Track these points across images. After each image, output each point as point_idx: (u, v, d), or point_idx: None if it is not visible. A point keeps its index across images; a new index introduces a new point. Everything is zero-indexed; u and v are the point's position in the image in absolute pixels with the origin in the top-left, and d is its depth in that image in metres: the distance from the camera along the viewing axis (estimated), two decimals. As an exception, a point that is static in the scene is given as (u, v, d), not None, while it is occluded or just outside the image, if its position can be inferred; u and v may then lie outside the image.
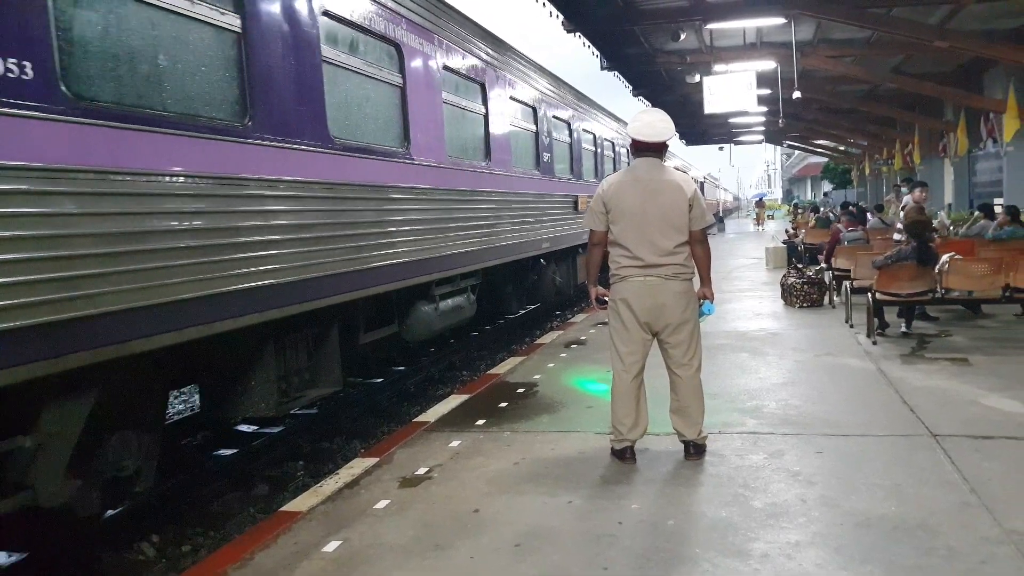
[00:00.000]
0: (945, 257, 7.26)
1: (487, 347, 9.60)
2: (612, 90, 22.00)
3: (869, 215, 15.29)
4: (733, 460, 4.20)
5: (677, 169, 4.49)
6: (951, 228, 12.84)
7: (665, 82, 19.92)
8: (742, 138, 38.20)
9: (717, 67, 16.84)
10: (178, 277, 3.81)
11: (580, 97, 13.24)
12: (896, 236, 10.30)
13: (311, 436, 6.08)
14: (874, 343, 7.22)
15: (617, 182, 4.21)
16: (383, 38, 6.09)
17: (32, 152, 3.14)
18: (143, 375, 4.00)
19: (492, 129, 8.49)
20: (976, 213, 11.58)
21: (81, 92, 3.41)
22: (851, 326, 8.19)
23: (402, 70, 6.35)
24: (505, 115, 8.95)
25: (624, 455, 4.23)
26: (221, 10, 4.30)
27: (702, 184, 34.09)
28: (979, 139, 16.64)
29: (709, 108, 16.79)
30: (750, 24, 14.33)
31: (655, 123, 4.22)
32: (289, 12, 4.89)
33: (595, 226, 4.23)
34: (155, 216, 3.74)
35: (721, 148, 43.85)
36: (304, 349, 5.29)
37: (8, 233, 3.04)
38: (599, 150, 14.50)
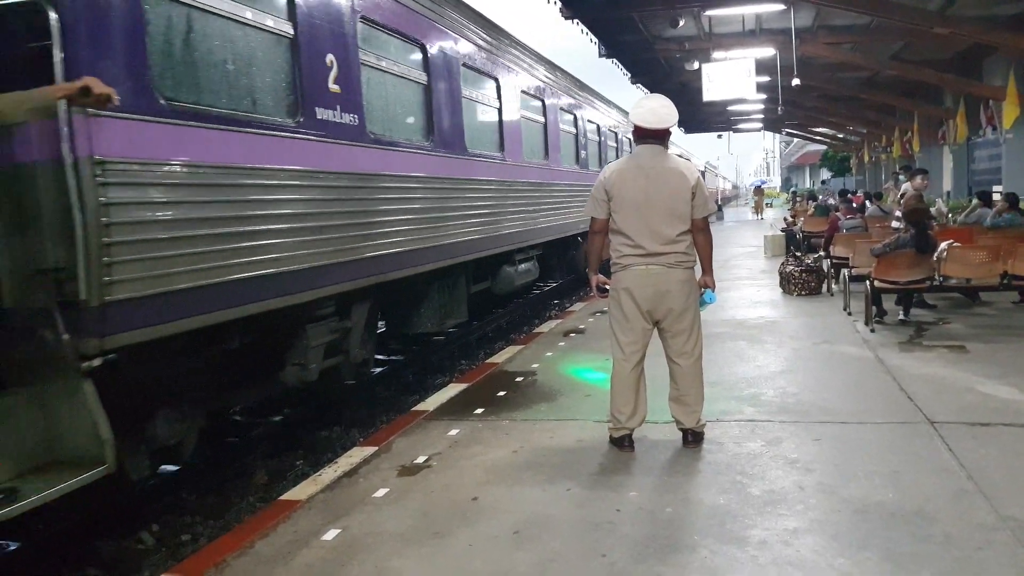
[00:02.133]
0: (943, 245, 7.26)
1: (486, 336, 9.60)
2: (611, 78, 21.94)
3: (868, 203, 15.28)
4: (731, 448, 4.21)
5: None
6: (949, 216, 12.83)
7: (664, 69, 19.86)
8: (741, 126, 38.12)
9: (716, 54, 16.79)
10: (412, 241, 6.34)
11: (608, 103, 15.96)
12: (894, 224, 10.31)
13: (310, 425, 6.09)
14: (872, 331, 7.22)
15: (619, 169, 4.19)
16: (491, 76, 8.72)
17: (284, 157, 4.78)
18: (375, 297, 6.20)
19: (549, 136, 10.98)
20: (974, 201, 11.55)
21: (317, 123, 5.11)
22: (849, 314, 8.20)
23: (499, 97, 8.88)
24: (557, 124, 11.42)
25: (622, 443, 4.24)
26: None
27: (703, 173, 34.63)
28: (978, 126, 16.60)
29: (708, 96, 16.76)
30: (749, 10, 14.29)
31: (658, 109, 4.20)
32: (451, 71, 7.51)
33: (596, 214, 4.21)
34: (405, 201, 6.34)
35: (720, 136, 43.83)
36: (449, 291, 7.69)
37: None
38: (618, 146, 16.72)
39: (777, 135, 67.12)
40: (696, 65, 16.94)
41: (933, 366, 5.83)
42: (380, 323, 7.45)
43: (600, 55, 17.05)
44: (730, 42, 16.63)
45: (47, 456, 3.35)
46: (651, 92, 18.95)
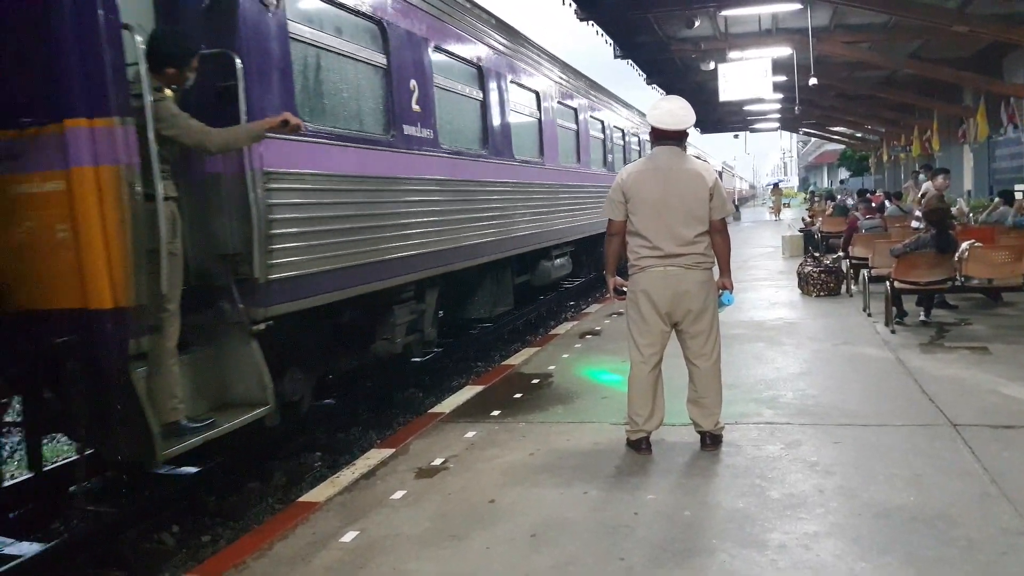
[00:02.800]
0: (965, 245, 7.18)
1: (501, 338, 9.60)
2: (627, 80, 21.89)
3: (887, 202, 15.14)
4: (750, 451, 4.18)
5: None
6: (971, 215, 12.69)
7: (679, 70, 19.77)
8: (758, 126, 37.90)
9: (732, 54, 16.68)
10: (472, 237, 7.25)
11: (629, 107, 16.53)
12: (914, 224, 10.21)
13: (328, 427, 6.11)
14: (892, 332, 7.16)
15: (637, 171, 4.18)
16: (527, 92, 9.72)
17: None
18: (441, 285, 6.97)
19: (581, 141, 11.84)
20: (996, 200, 11.42)
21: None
22: (869, 315, 8.12)
23: (539, 107, 9.79)
24: (587, 130, 12.31)
25: (640, 446, 4.22)
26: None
27: (719, 174, 34.71)
28: (999, 125, 16.40)
29: (724, 96, 16.66)
30: (765, 10, 14.20)
31: (675, 111, 4.18)
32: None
33: (613, 215, 4.21)
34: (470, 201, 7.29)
35: (736, 136, 43.60)
36: (498, 282, 8.53)
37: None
38: (641, 148, 17.08)
39: (794, 135, 66.70)
40: (712, 65, 16.85)
41: (955, 367, 5.76)
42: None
43: (615, 56, 17.00)
44: (746, 42, 16.52)
45: (221, 400, 4.30)
46: (667, 93, 18.93)
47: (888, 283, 7.36)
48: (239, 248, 4.25)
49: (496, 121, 8.12)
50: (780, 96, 20.72)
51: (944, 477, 3.68)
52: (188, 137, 3.89)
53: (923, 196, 11.39)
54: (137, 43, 3.67)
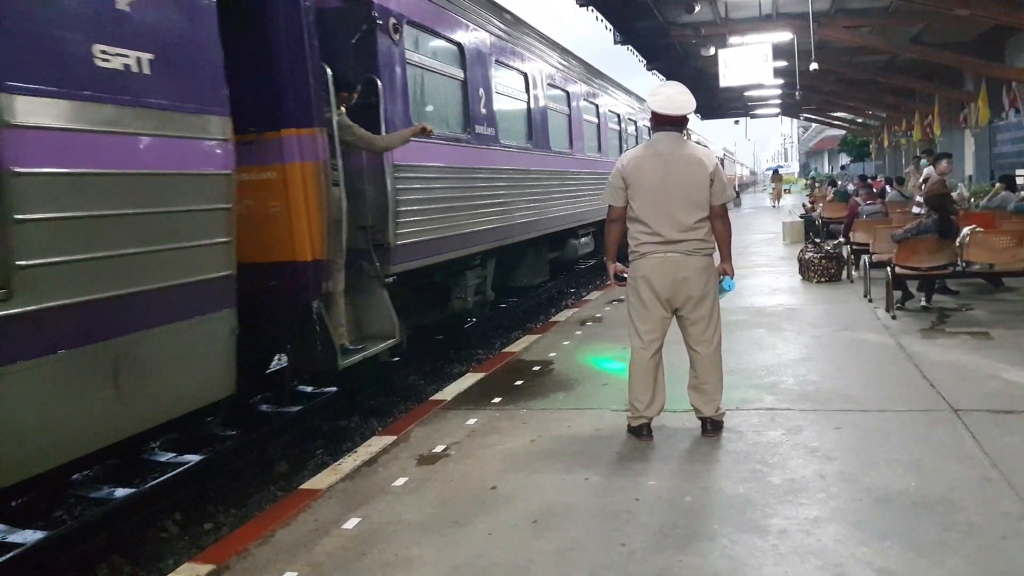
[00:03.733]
0: (966, 230, 7.16)
1: (502, 325, 9.60)
2: (626, 65, 21.79)
3: (888, 188, 15.11)
4: (750, 436, 4.18)
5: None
6: (971, 200, 12.66)
7: (679, 56, 19.69)
8: (758, 111, 37.75)
9: (732, 39, 16.60)
10: (521, 216, 8.67)
11: (641, 100, 16.90)
12: (915, 209, 10.18)
13: (329, 414, 6.12)
14: (893, 317, 7.15)
15: (637, 156, 4.16)
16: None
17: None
18: (497, 257, 8.31)
19: (601, 132, 13.26)
20: (997, 184, 11.38)
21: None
22: (870, 300, 8.12)
23: (568, 105, 11.08)
24: (606, 123, 13.73)
25: (641, 432, 4.23)
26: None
27: (721, 161, 35.02)
28: (1001, 109, 16.32)
29: (724, 81, 16.60)
30: (766, -5, 14.13)
31: (675, 96, 4.16)
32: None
33: (613, 201, 4.19)
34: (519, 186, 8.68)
35: (737, 122, 43.44)
36: (537, 256, 9.97)
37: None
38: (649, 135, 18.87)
39: (795, 120, 66.42)
40: (712, 51, 16.77)
41: (956, 353, 5.76)
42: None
43: (615, 42, 16.93)
44: (746, 27, 16.43)
45: (360, 335, 5.55)
46: (667, 79, 18.91)
47: (889, 268, 7.35)
48: (375, 221, 5.64)
49: (538, 118, 9.57)
50: (781, 81, 20.63)
51: (945, 462, 3.68)
52: (361, 142, 5.33)
53: (925, 181, 11.36)
54: (329, 76, 5.01)
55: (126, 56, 3.43)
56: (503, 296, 10.15)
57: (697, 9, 14.00)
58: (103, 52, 3.31)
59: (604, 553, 2.98)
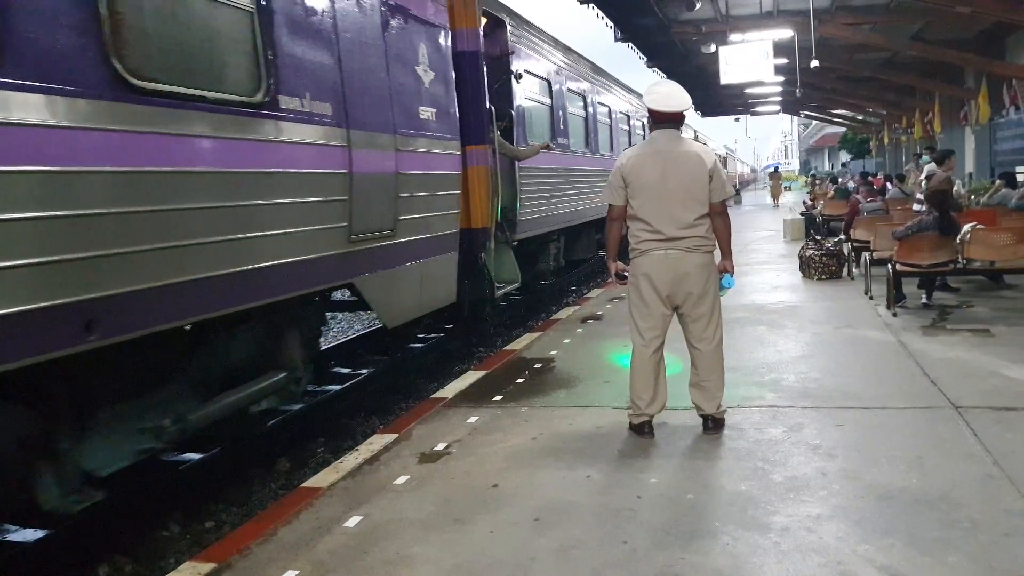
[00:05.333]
0: (967, 227, 7.15)
1: (503, 323, 9.60)
2: (627, 63, 21.75)
3: (888, 184, 15.09)
4: (752, 434, 4.18)
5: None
6: (971, 198, 12.64)
7: (680, 53, 19.66)
8: (759, 109, 37.74)
9: (733, 37, 16.59)
10: (578, 204, 11.48)
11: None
12: (916, 206, 10.17)
13: (330, 412, 6.12)
14: (894, 315, 7.15)
15: (636, 155, 4.16)
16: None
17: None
18: (564, 235, 11.35)
19: (632, 136, 15.91)
20: (998, 182, 11.37)
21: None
22: (871, 298, 8.12)
23: (609, 116, 14.28)
24: (633, 130, 16.23)
25: (642, 430, 4.23)
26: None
27: (724, 160, 35.73)
28: (1001, 106, 16.32)
29: (725, 79, 16.60)
30: (767, -8, 14.11)
31: (672, 94, 4.16)
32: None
33: (613, 200, 4.19)
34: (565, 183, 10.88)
35: (737, 119, 43.42)
36: (588, 237, 13.04)
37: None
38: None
39: (795, 117, 66.41)
40: (713, 48, 16.75)
41: (957, 350, 5.76)
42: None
43: (616, 39, 16.92)
44: (747, 24, 16.41)
45: (496, 278, 7.63)
46: (667, 76, 18.96)
47: (890, 266, 7.35)
48: (508, 203, 8.13)
49: (590, 127, 12.48)
50: (781, 79, 20.62)
51: (946, 459, 3.68)
52: (511, 154, 8.17)
53: (927, 178, 11.34)
54: (492, 112, 7.46)
55: (427, 111, 6.06)
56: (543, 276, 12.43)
57: (698, 6, 13.99)
58: (421, 110, 5.97)
59: (606, 551, 2.98)
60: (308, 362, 5.36)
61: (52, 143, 2.98)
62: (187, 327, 3.71)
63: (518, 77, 8.65)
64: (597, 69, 13.66)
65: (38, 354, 2.96)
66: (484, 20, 7.62)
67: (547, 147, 8.95)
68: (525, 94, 9.03)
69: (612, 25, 16.31)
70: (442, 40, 6.43)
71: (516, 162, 8.35)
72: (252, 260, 4.02)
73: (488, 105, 7.31)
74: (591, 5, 14.52)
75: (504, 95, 8.31)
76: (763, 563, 2.83)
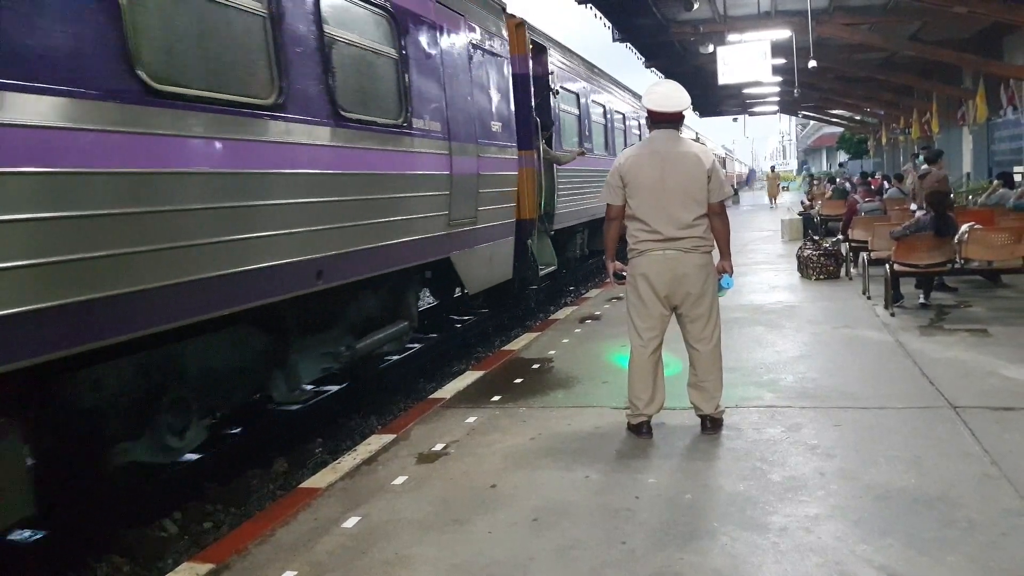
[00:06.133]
0: (965, 227, 7.16)
1: (502, 323, 9.60)
2: (625, 63, 21.77)
3: (886, 184, 15.10)
4: (750, 434, 4.18)
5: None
6: (969, 198, 12.66)
7: (678, 53, 19.67)
8: (756, 109, 37.74)
9: (731, 37, 16.59)
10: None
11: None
12: (913, 206, 10.18)
13: (328, 413, 6.11)
14: (892, 315, 7.16)
15: (634, 155, 4.16)
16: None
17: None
18: (587, 228, 12.98)
19: (628, 139, 16.22)
20: (995, 182, 11.40)
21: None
22: (868, 298, 8.12)
23: (624, 122, 15.95)
24: (634, 134, 16.73)
25: (641, 430, 4.23)
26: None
27: (723, 161, 36.00)
28: (999, 106, 16.34)
29: (723, 79, 16.59)
30: (764, -8, 14.11)
31: (671, 94, 4.16)
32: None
33: (612, 200, 4.19)
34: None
35: (735, 119, 43.40)
36: (598, 232, 12.62)
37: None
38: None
39: (793, 118, 66.39)
40: (711, 48, 16.76)
41: (955, 350, 5.76)
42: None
43: (614, 39, 16.93)
44: (745, 24, 16.43)
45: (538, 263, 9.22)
46: (666, 76, 18.96)
47: (887, 266, 7.35)
48: (547, 199, 9.54)
49: (609, 132, 14.41)
50: (779, 79, 20.62)
51: (944, 459, 3.68)
52: (554, 159, 9.67)
53: (922, 177, 11.36)
54: (538, 123, 9.12)
55: (496, 124, 7.66)
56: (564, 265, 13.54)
57: (696, 7, 13.99)
58: (492, 123, 7.55)
59: (604, 551, 2.98)
60: (416, 319, 6.85)
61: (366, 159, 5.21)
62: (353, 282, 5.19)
63: (556, 93, 10.33)
64: (613, 80, 15.39)
65: (297, 291, 4.50)
66: (530, 45, 9.23)
67: (581, 153, 10.72)
68: (561, 106, 10.84)
69: (610, 25, 16.32)
70: (505, 68, 8.15)
71: (554, 165, 9.85)
72: (401, 235, 5.71)
73: (535, 117, 9.08)
74: (589, 5, 14.52)
75: (545, 108, 9.81)
76: (761, 563, 2.83)
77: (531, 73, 9.11)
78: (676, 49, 19.23)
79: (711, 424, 4.24)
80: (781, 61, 17.61)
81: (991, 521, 3.02)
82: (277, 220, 4.27)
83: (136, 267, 3.33)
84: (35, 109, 2.88)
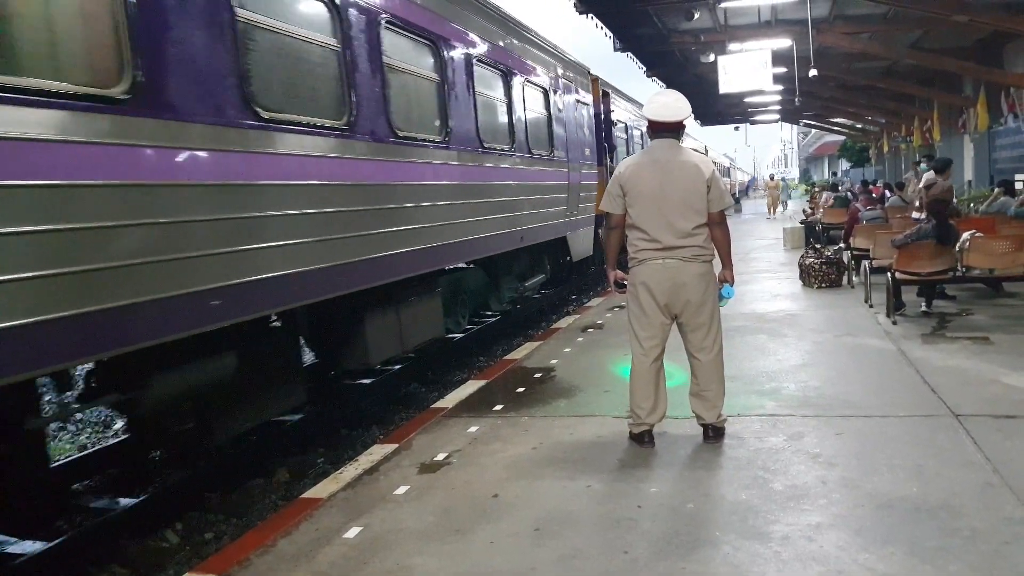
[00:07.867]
0: (966, 235, 7.16)
1: (504, 332, 9.61)
2: (626, 72, 21.83)
3: (888, 192, 15.11)
4: (752, 443, 4.18)
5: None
6: (971, 205, 12.66)
7: (679, 62, 19.73)
8: (758, 117, 37.81)
9: (732, 46, 16.65)
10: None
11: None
12: (915, 215, 10.18)
13: (330, 423, 6.12)
14: (894, 323, 7.15)
15: (634, 164, 4.17)
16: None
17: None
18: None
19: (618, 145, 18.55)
20: (996, 190, 11.39)
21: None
22: (870, 306, 8.12)
23: (642, 137, 17.08)
24: (628, 139, 18.33)
25: (643, 439, 4.22)
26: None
27: (727, 170, 36.06)
28: (1000, 114, 16.35)
29: (724, 88, 16.64)
30: (764, 1, 14.17)
31: (671, 103, 4.18)
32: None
33: (612, 209, 4.20)
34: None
35: (737, 128, 43.51)
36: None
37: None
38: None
39: (795, 126, 66.50)
40: (712, 57, 16.82)
41: (956, 358, 5.76)
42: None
43: (615, 49, 16.96)
44: (746, 34, 16.48)
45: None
46: (667, 86, 19.08)
47: (889, 274, 7.35)
48: (569, 204, 10.74)
49: (629, 147, 16.01)
50: (780, 88, 20.68)
51: (946, 467, 3.68)
52: (613, 169, 10.72)
53: (927, 187, 11.36)
54: (606, 147, 13.47)
55: (588, 149, 11.93)
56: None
57: (697, 16, 14.06)
58: (585, 149, 11.83)
59: (607, 561, 2.98)
60: (549, 272, 10.93)
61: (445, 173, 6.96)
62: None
63: (614, 124, 14.20)
64: (639, 104, 17.21)
65: (512, 247, 8.47)
66: (602, 93, 13.31)
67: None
68: (617, 134, 14.52)
69: (611, 35, 16.36)
70: (589, 111, 12.32)
71: (571, 180, 12.21)
72: (546, 220, 9.53)
73: (604, 142, 13.16)
74: (591, 16, 14.57)
75: (609, 135, 13.77)
76: (763, 572, 2.82)
77: (602, 112, 13.31)
78: (677, 58, 19.29)
79: (713, 433, 4.24)
80: (782, 70, 17.66)
81: (993, 530, 3.02)
82: (505, 207, 8.03)
83: (425, 237, 6.25)
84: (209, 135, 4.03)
